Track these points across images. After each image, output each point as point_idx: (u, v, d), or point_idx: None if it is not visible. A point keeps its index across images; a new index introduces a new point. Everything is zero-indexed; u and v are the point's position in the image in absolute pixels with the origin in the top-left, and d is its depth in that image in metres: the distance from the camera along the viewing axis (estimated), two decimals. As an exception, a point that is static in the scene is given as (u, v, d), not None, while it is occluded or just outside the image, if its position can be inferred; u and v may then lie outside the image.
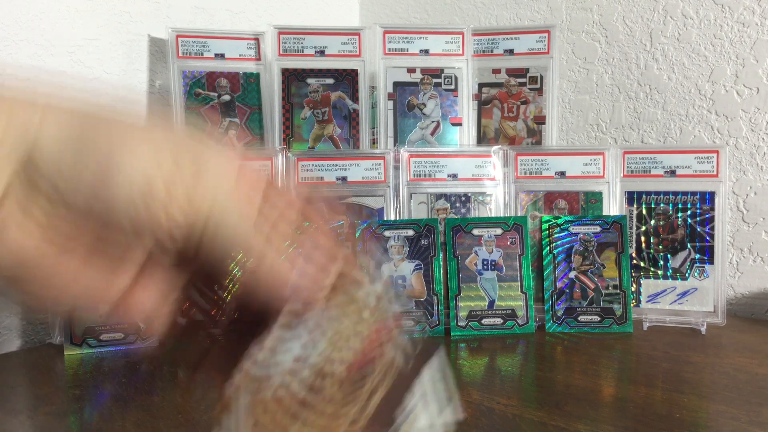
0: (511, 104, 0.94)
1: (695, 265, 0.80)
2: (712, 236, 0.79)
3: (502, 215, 0.83)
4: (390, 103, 0.92)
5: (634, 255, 0.81)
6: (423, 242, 0.78)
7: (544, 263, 0.80)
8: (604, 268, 0.79)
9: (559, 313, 0.79)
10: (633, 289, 0.81)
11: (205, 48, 0.89)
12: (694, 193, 0.80)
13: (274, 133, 0.90)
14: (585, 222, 0.80)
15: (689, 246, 0.80)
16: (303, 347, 0.25)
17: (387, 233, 0.78)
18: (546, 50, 0.92)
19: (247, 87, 0.90)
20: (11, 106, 0.21)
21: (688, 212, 0.80)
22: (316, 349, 0.25)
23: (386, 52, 0.92)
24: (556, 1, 1.02)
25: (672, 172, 0.81)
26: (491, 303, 0.78)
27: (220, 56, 0.89)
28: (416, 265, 0.78)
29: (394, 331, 0.27)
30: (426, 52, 0.92)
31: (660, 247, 0.81)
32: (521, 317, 0.78)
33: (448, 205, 0.84)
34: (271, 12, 1.06)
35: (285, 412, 0.24)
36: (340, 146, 0.91)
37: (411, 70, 0.92)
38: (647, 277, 0.81)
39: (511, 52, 0.93)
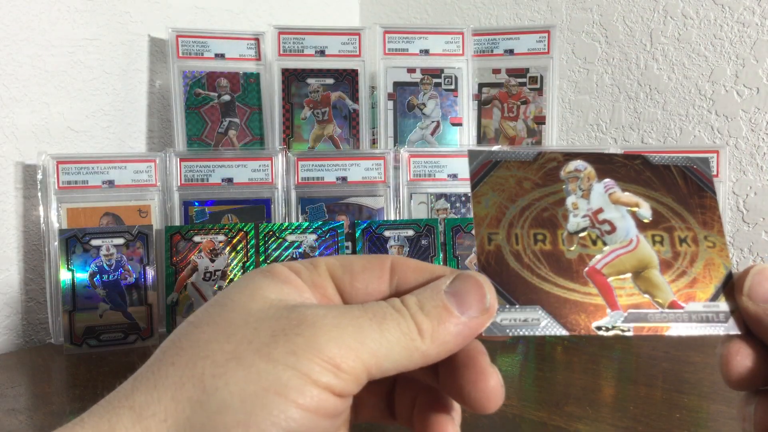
0: (511, 104, 0.94)
1: (695, 265, 0.79)
2: (712, 236, 0.79)
3: (502, 215, 0.83)
4: (390, 103, 0.92)
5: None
6: (423, 242, 0.78)
7: (544, 263, 0.80)
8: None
9: (559, 313, 0.78)
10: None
11: (205, 48, 0.89)
12: (694, 193, 0.80)
13: (274, 133, 0.90)
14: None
15: (689, 246, 0.80)
16: None
17: (387, 233, 0.78)
18: (546, 50, 0.92)
19: (247, 87, 0.90)
20: None
21: (688, 212, 0.80)
22: None
23: (386, 52, 0.92)
24: (556, 1, 1.02)
25: (672, 172, 0.81)
26: (491, 303, 0.78)
27: (220, 56, 0.89)
28: (416, 265, 0.78)
29: None
30: (426, 52, 0.92)
31: (660, 247, 0.81)
32: (521, 317, 0.78)
33: (448, 205, 0.84)
34: (271, 12, 1.06)
35: None
36: (340, 146, 0.91)
37: (411, 70, 0.92)
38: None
39: (511, 52, 0.93)
